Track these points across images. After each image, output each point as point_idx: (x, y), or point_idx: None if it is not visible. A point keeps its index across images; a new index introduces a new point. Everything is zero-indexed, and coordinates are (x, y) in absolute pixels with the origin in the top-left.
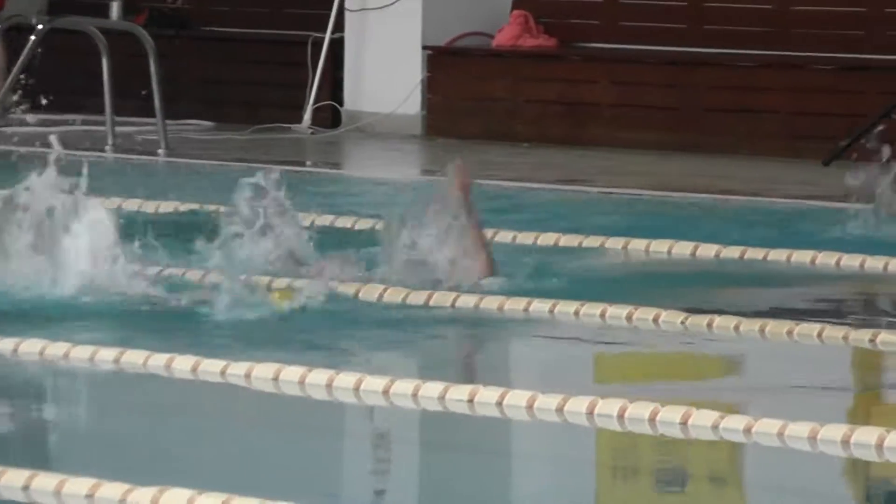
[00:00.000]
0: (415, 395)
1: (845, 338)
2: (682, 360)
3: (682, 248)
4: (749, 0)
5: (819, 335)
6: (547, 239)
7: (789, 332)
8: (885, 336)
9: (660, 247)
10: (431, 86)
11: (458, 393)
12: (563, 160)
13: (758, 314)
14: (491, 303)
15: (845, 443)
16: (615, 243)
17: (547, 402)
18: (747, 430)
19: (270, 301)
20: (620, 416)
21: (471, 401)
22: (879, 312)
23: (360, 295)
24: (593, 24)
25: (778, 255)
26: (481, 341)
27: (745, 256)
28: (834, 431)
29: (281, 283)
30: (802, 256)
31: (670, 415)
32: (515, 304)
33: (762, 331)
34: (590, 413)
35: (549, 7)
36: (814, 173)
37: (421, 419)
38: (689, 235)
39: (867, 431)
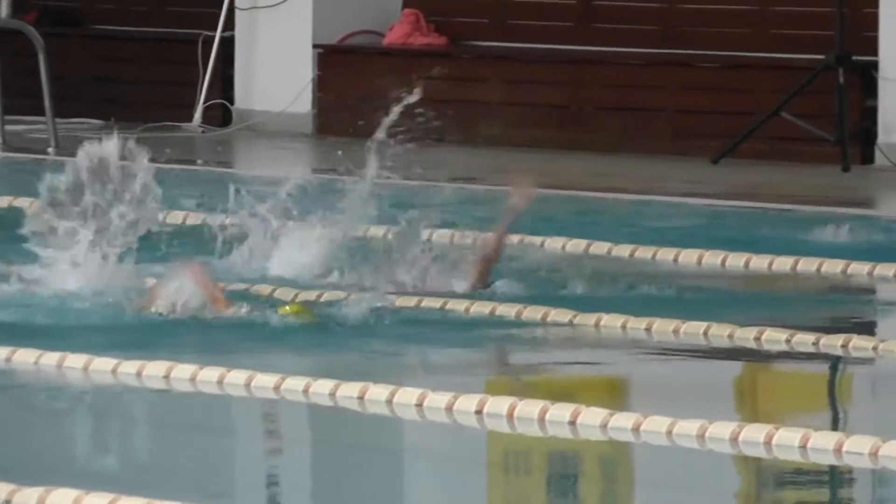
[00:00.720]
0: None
1: (730, 336)
2: (571, 358)
3: (575, 246)
4: None
5: (705, 332)
6: (440, 236)
7: (675, 331)
8: (770, 334)
9: (554, 244)
10: (322, 84)
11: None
12: (454, 158)
13: (646, 312)
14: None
15: (734, 440)
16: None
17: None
18: (636, 429)
19: (281, 313)
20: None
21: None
22: (765, 310)
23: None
24: (483, 23)
25: (665, 253)
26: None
27: (636, 255)
28: (723, 429)
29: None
30: (689, 257)
31: (560, 413)
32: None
33: (649, 328)
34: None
35: (439, 6)
36: (701, 171)
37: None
38: (579, 233)
39: (756, 428)
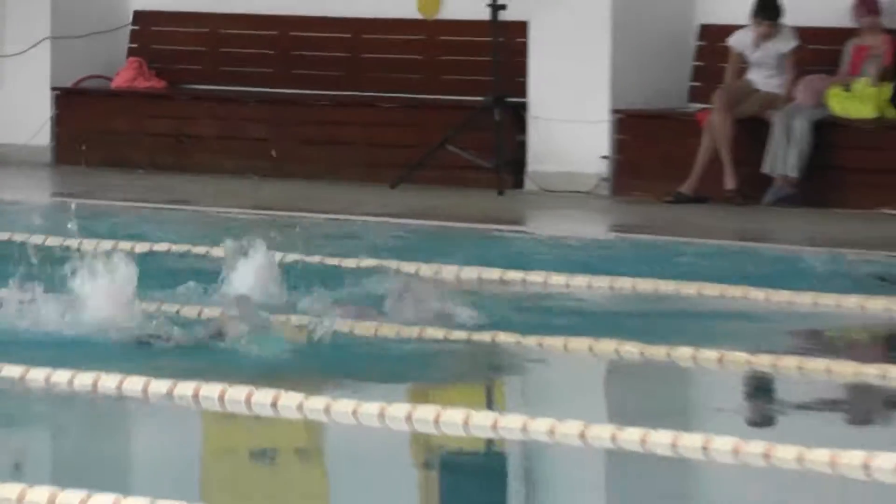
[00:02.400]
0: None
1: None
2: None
3: (289, 258)
4: (326, 48)
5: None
6: (143, 247)
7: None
8: (550, 341)
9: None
10: (59, 121)
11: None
12: (172, 184)
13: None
14: None
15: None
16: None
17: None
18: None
19: (282, 336)
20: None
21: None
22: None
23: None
24: (198, 69)
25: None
26: None
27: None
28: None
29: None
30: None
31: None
32: None
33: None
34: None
35: (159, 55)
36: (386, 195)
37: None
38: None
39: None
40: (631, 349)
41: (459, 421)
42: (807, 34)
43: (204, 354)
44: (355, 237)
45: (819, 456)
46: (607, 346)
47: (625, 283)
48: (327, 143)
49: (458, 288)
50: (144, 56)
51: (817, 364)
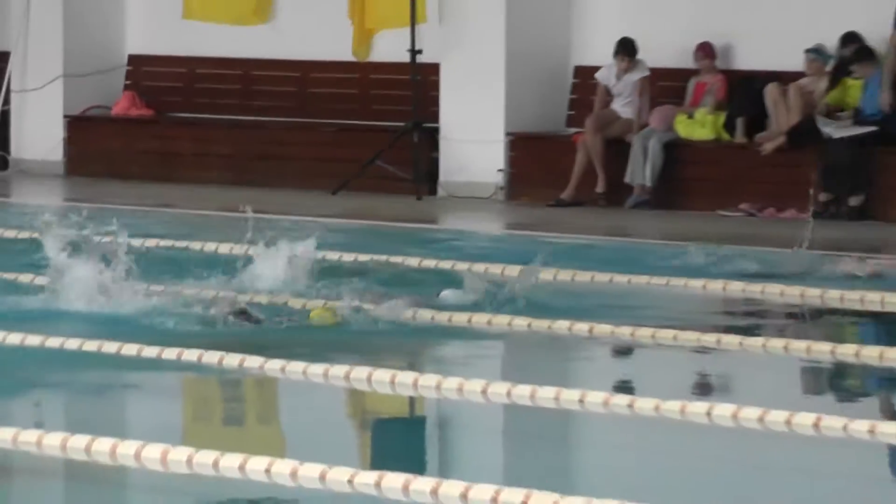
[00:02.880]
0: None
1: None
2: None
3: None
4: (279, 84)
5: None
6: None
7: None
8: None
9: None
10: (70, 141)
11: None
12: (159, 191)
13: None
14: None
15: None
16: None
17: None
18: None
19: (312, 318)
20: None
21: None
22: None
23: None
24: (178, 101)
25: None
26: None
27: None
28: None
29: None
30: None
31: None
32: None
33: None
34: None
35: (148, 89)
36: (327, 200)
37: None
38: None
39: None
40: (520, 322)
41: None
42: (659, 73)
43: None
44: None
45: (594, 398)
46: (521, 321)
47: (513, 270)
48: (280, 159)
49: (388, 273)
50: (136, 90)
51: (666, 334)
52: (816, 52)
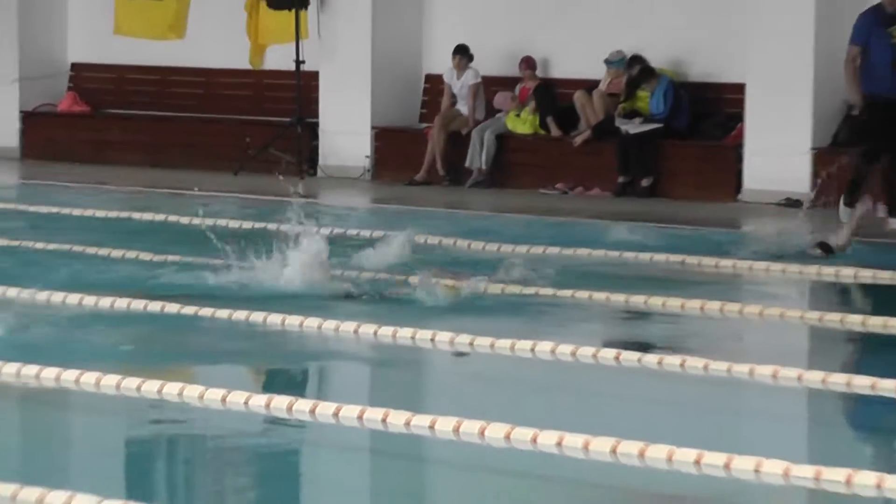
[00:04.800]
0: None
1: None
2: None
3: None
4: (190, 86)
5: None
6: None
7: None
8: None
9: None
10: (24, 132)
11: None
12: (94, 172)
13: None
14: None
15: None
16: None
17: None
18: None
19: (441, 292)
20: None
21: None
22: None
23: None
24: (110, 99)
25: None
26: None
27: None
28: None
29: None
30: None
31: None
32: None
33: None
34: None
35: (86, 90)
36: (230, 179)
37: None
38: (163, 210)
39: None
40: (386, 275)
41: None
42: (492, 80)
43: (394, 305)
44: (218, 205)
45: (484, 342)
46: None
47: (378, 233)
48: (191, 146)
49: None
50: (77, 91)
51: (496, 287)
52: (614, 63)
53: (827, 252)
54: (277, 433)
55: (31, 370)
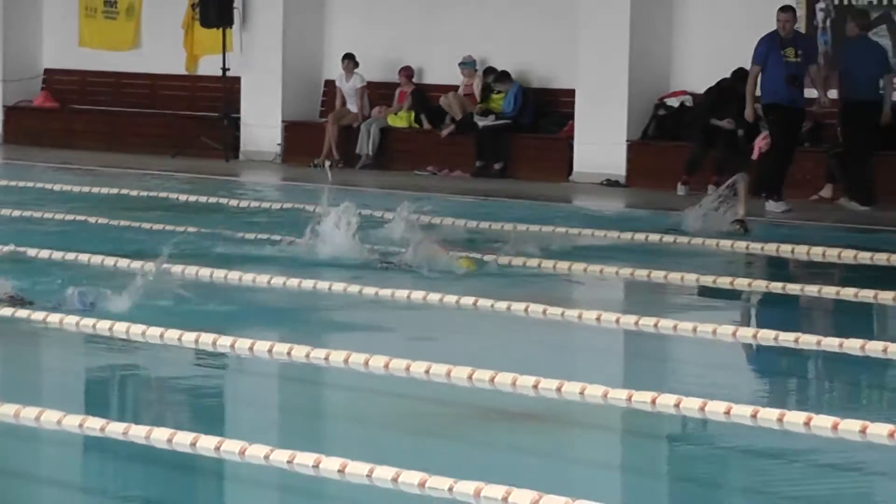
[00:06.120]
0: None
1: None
2: None
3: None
4: (137, 87)
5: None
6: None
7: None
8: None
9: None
10: (6, 122)
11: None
12: (63, 155)
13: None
14: None
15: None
16: None
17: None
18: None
19: (458, 265)
20: None
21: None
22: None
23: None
24: (75, 97)
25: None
26: None
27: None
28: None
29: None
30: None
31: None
32: None
33: None
34: None
35: (57, 89)
36: (168, 161)
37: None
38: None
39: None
40: (301, 241)
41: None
42: (376, 85)
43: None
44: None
45: (402, 295)
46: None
47: (289, 205)
48: (139, 135)
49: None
50: (49, 90)
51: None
52: (467, 64)
53: (745, 229)
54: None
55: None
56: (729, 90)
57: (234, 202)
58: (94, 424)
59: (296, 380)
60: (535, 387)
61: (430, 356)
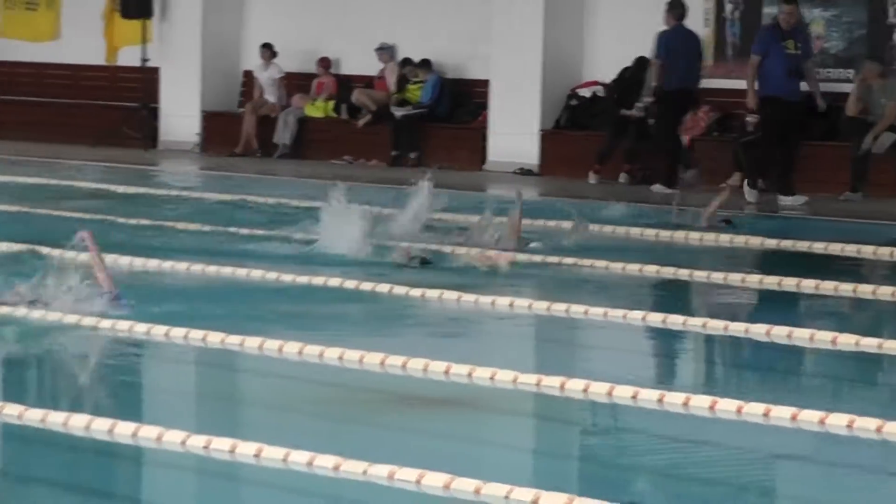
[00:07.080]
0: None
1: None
2: None
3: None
4: (62, 78)
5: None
6: None
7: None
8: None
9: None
10: None
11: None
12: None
13: None
14: None
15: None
16: None
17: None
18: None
19: (471, 261)
20: None
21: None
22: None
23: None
24: (5, 88)
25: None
26: None
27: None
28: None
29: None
30: None
31: None
32: None
33: None
34: None
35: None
36: (91, 151)
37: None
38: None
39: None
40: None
41: None
42: (295, 76)
43: (451, 272)
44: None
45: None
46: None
47: (212, 197)
48: (62, 125)
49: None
50: None
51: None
52: (383, 49)
53: (728, 222)
54: None
55: None
56: (632, 79)
57: (158, 192)
58: (11, 412)
59: (210, 365)
60: (447, 372)
61: (346, 344)
